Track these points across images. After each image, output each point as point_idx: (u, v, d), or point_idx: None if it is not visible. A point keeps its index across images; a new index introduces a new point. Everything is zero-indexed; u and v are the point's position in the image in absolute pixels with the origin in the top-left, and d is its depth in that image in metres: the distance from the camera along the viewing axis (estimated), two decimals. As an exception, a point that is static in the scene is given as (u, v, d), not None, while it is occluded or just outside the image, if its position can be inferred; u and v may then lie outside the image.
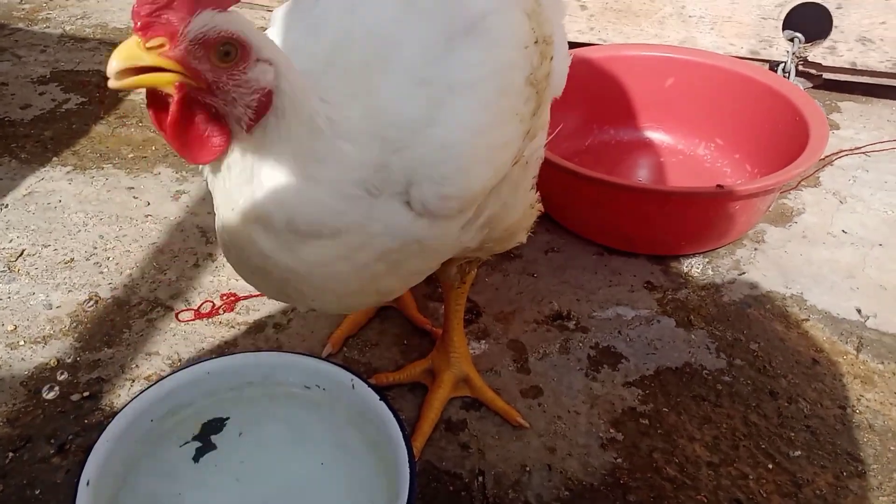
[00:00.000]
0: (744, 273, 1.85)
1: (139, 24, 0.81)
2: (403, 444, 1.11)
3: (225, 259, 1.84)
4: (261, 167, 0.92)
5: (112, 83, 0.81)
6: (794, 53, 2.52)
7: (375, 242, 1.00)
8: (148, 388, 1.21)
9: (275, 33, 1.09)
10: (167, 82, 0.83)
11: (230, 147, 0.91)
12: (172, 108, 0.85)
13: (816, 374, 1.58)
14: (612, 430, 1.46)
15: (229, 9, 0.86)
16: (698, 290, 1.80)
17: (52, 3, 3.15)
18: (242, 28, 0.86)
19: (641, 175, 2.21)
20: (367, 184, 0.96)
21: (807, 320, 1.72)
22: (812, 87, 2.62)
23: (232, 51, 0.85)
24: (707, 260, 1.89)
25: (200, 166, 0.97)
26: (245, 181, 0.93)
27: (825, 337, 1.67)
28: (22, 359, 1.60)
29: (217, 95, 0.86)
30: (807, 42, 2.54)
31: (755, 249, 1.93)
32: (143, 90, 0.86)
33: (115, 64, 0.80)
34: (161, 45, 0.81)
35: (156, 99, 0.87)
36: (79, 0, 3.18)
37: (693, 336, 1.68)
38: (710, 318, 1.72)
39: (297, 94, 0.91)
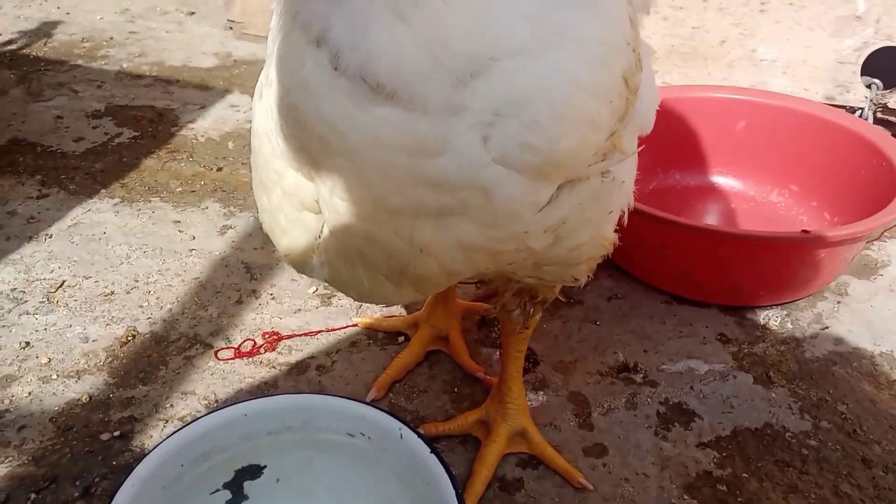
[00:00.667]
0: (827, 328, 1.69)
1: None
2: (455, 503, 0.99)
3: (268, 296, 1.77)
4: None
5: None
6: (871, 100, 2.38)
7: (440, 161, 0.82)
8: (180, 429, 1.11)
9: None
10: None
11: None
12: None
13: (916, 443, 1.41)
14: (685, 496, 1.30)
15: None
16: (777, 344, 1.65)
17: (112, 42, 3.19)
18: None
19: (709, 223, 2.07)
20: (456, 75, 0.80)
21: (901, 382, 1.55)
22: (892, 135, 2.47)
23: None
24: (786, 312, 1.73)
25: None
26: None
27: (923, 401, 1.50)
28: (53, 393, 1.52)
29: None
30: (885, 89, 2.41)
31: (838, 303, 1.77)
32: None
33: None
34: None
35: None
36: (138, 39, 3.22)
37: (773, 394, 1.52)
38: (792, 376, 1.56)
39: None
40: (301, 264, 1.02)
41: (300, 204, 0.93)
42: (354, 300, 1.72)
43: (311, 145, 0.84)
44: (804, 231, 1.55)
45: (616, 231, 1.19)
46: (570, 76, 0.87)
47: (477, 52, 0.81)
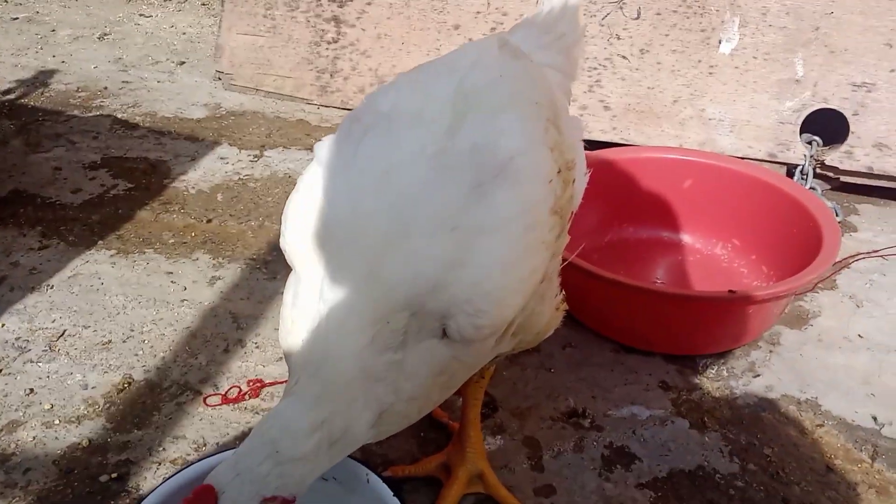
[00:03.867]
0: (759, 375, 1.88)
1: None
2: (415, 542, 1.15)
3: (253, 345, 1.93)
4: None
5: None
6: (811, 156, 2.60)
7: (420, 374, 1.11)
8: (172, 475, 1.26)
9: (318, 177, 1.17)
10: None
11: None
12: None
13: (830, 483, 1.59)
14: (623, 533, 1.47)
15: None
16: (713, 391, 1.83)
17: (106, 92, 3.36)
18: None
19: (659, 273, 2.27)
20: (403, 335, 1.07)
21: (821, 426, 1.73)
22: (830, 189, 2.68)
23: None
24: (722, 360, 1.92)
25: None
26: None
27: (840, 444, 1.68)
28: (56, 437, 1.67)
29: None
30: (824, 146, 2.62)
31: (770, 352, 1.96)
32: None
33: None
34: None
35: None
36: (131, 89, 3.39)
37: (707, 438, 1.70)
38: (725, 421, 1.74)
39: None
40: None
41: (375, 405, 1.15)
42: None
43: None
44: (731, 291, 1.74)
45: (559, 292, 1.38)
46: (497, 264, 1.09)
47: (421, 291, 1.06)
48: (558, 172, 1.20)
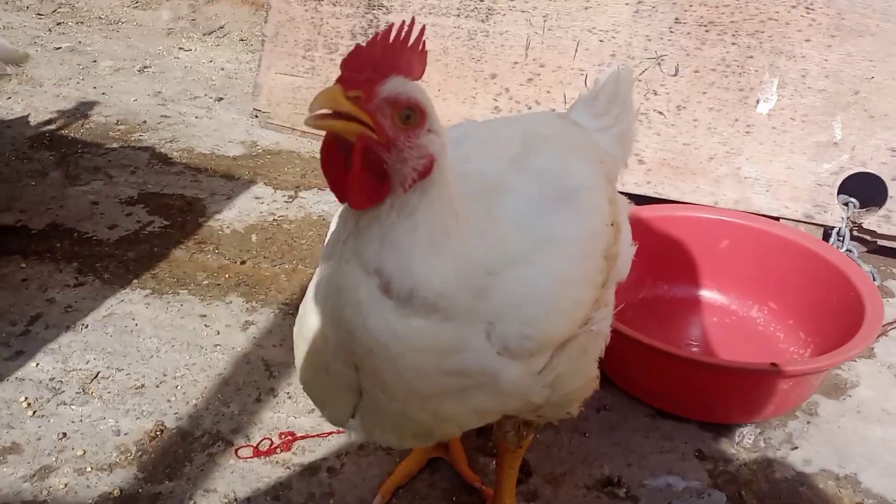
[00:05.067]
0: (796, 448, 1.85)
1: (344, 76, 0.96)
2: None
3: (285, 395, 1.93)
4: (398, 229, 1.01)
5: (308, 121, 0.93)
6: (848, 219, 2.57)
7: (460, 356, 1.06)
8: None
9: None
10: (355, 131, 0.96)
11: (384, 201, 1.01)
12: (355, 155, 0.97)
13: (871, 567, 1.55)
14: None
15: (417, 81, 1.00)
16: (750, 463, 1.80)
17: (145, 126, 3.41)
18: (424, 98, 1.00)
19: (693, 334, 2.24)
20: (476, 290, 1.05)
21: (861, 503, 1.69)
22: (867, 252, 2.65)
23: (412, 115, 0.99)
24: (759, 430, 1.89)
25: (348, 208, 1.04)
26: (378, 237, 1.02)
27: (881, 525, 1.64)
28: (87, 486, 1.67)
29: (391, 152, 0.98)
30: (861, 208, 2.60)
31: (808, 423, 1.92)
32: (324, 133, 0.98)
33: (317, 105, 0.92)
34: (357, 98, 0.94)
35: (332, 147, 0.99)
36: (169, 124, 3.44)
37: (744, 513, 1.67)
38: (762, 495, 1.71)
39: (447, 173, 1.04)
40: (340, 425, 1.24)
41: (346, 387, 1.13)
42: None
43: (357, 350, 1.05)
44: (773, 364, 1.71)
45: (598, 364, 1.37)
46: (557, 277, 1.10)
47: (489, 269, 1.05)
48: (611, 224, 1.24)
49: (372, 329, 1.02)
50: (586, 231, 1.17)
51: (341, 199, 1.01)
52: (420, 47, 1.00)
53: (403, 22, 1.00)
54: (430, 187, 1.02)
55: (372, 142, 0.97)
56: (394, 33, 0.99)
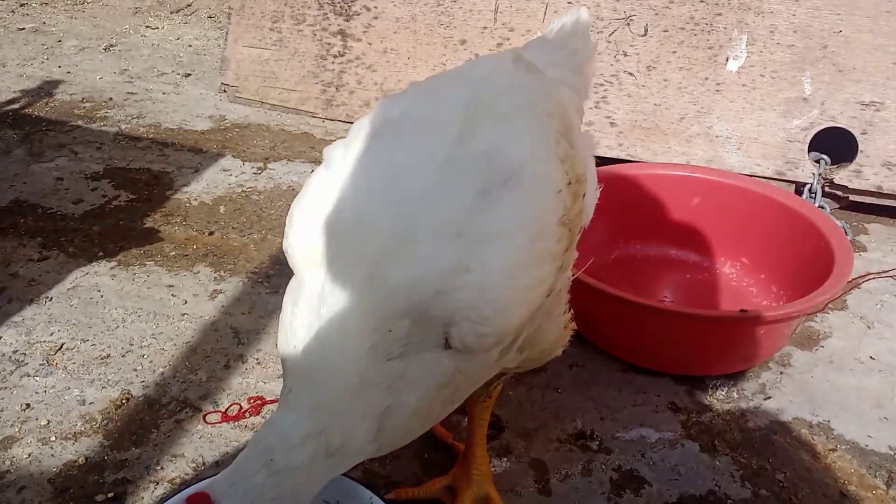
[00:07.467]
0: (769, 398, 1.84)
1: None
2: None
3: (254, 361, 1.90)
4: None
5: None
6: (819, 175, 2.57)
7: (423, 386, 1.07)
8: (169, 496, 1.23)
9: (324, 180, 1.17)
10: None
11: None
12: None
13: (844, 509, 1.55)
14: (632, 560, 1.43)
15: None
16: (723, 413, 1.79)
17: (111, 103, 3.34)
18: None
19: (667, 291, 2.23)
20: (404, 344, 1.03)
21: (834, 450, 1.69)
22: (839, 208, 2.66)
23: None
24: (732, 382, 1.88)
25: None
26: None
27: (853, 469, 1.65)
28: (52, 455, 1.63)
29: None
30: (833, 164, 2.60)
31: (781, 373, 1.92)
32: None
33: None
34: None
35: None
36: (136, 100, 3.38)
37: (717, 462, 1.66)
38: (735, 445, 1.71)
39: None
40: None
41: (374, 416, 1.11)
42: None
43: None
44: (742, 310, 1.71)
45: (567, 310, 1.35)
46: (504, 271, 1.06)
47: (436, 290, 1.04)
48: (568, 184, 1.18)
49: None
50: (534, 212, 1.10)
51: None
52: None
53: None
54: None
55: None
56: None
